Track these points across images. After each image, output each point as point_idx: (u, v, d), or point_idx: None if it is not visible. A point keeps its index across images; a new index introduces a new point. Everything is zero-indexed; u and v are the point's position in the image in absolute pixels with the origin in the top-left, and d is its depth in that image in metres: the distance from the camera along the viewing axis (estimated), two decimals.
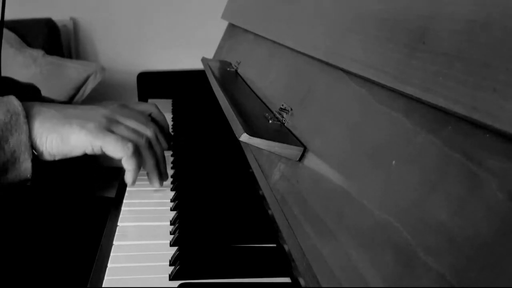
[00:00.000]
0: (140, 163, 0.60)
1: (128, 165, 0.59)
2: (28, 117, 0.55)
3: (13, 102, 0.55)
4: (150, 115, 0.80)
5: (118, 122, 0.60)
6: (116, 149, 0.57)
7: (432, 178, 0.29)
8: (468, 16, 0.29)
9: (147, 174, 0.63)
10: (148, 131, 0.62)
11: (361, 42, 0.42)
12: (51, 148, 0.55)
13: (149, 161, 0.61)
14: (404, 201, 0.31)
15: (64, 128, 0.56)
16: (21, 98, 0.81)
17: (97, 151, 0.57)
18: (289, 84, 0.62)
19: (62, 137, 0.56)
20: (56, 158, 0.57)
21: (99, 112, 0.60)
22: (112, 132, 0.58)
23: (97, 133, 0.56)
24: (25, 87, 0.86)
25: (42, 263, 0.69)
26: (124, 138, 0.58)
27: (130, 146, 0.57)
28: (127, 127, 0.60)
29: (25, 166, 0.54)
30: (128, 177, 0.59)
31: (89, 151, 0.57)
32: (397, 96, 0.36)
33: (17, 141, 0.53)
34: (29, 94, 0.85)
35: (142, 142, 0.60)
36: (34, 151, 0.55)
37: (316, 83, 0.53)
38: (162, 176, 0.65)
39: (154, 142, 0.63)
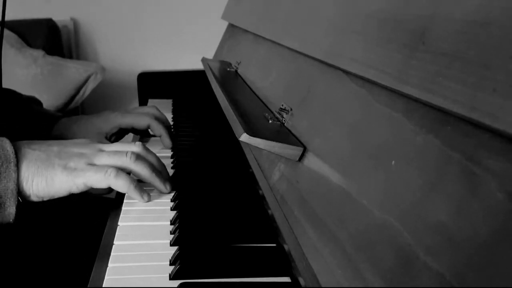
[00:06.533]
0: (131, 181, 0.59)
1: (119, 188, 0.58)
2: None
3: (6, 147, 0.54)
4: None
5: (100, 151, 0.60)
6: (98, 180, 0.56)
7: (432, 178, 0.29)
8: (468, 16, 0.29)
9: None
10: (133, 147, 0.61)
11: (361, 42, 0.42)
12: (37, 191, 0.55)
13: (143, 172, 0.60)
14: (404, 201, 0.31)
15: (48, 170, 0.56)
16: (23, 112, 0.81)
17: (82, 188, 0.56)
18: (289, 84, 0.62)
19: (47, 180, 0.55)
20: (44, 199, 0.57)
21: (82, 146, 0.60)
22: (93, 164, 0.58)
23: (77, 171, 0.56)
24: (26, 100, 0.86)
25: (42, 263, 0.69)
26: (103, 166, 0.57)
27: (110, 172, 0.56)
28: (109, 153, 0.59)
29: (9, 212, 0.53)
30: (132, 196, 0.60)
31: (74, 190, 0.56)
32: (397, 96, 0.36)
33: (4, 187, 0.53)
34: (30, 107, 0.85)
35: (126, 159, 0.59)
36: (20, 196, 0.54)
37: (316, 83, 0.53)
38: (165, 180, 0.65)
39: (143, 153, 0.62)
